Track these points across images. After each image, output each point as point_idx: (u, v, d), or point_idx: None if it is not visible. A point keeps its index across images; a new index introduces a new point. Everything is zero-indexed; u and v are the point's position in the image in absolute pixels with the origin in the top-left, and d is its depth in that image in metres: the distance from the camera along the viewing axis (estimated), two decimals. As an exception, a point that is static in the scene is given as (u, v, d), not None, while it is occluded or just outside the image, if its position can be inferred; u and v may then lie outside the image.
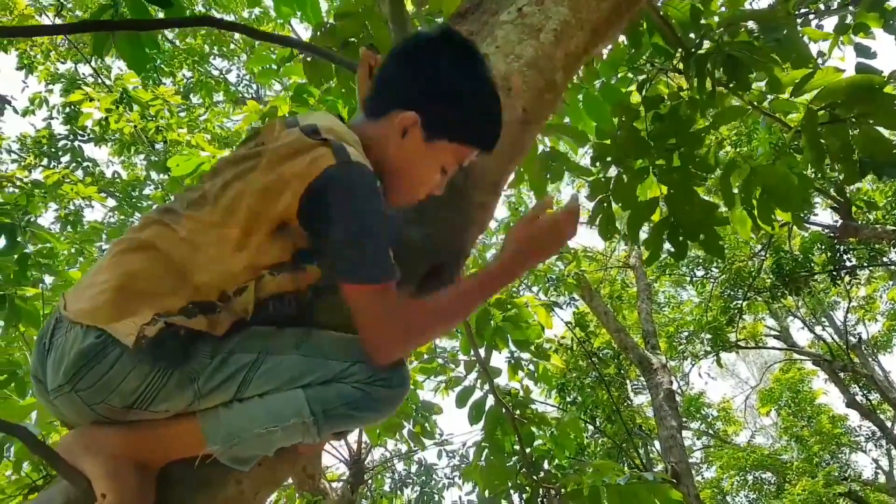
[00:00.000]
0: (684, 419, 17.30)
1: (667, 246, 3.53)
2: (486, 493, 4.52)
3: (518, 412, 4.35)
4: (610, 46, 3.88)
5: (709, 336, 12.34)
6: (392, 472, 9.62)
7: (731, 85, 2.95)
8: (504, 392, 4.46)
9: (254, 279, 1.48)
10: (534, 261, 1.65)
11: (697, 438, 19.38)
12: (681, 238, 3.46)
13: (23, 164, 8.06)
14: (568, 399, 10.24)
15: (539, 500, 4.59)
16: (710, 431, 18.90)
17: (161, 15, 2.82)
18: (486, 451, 4.54)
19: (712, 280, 13.28)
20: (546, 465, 4.86)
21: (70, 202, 6.05)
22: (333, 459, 8.38)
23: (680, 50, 3.25)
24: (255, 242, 1.44)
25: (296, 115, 1.68)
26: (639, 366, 10.17)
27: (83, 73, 9.08)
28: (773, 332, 19.35)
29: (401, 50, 1.65)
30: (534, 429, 4.74)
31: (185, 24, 2.30)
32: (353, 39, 3.20)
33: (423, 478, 8.95)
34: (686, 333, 13.39)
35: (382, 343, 1.45)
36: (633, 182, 3.56)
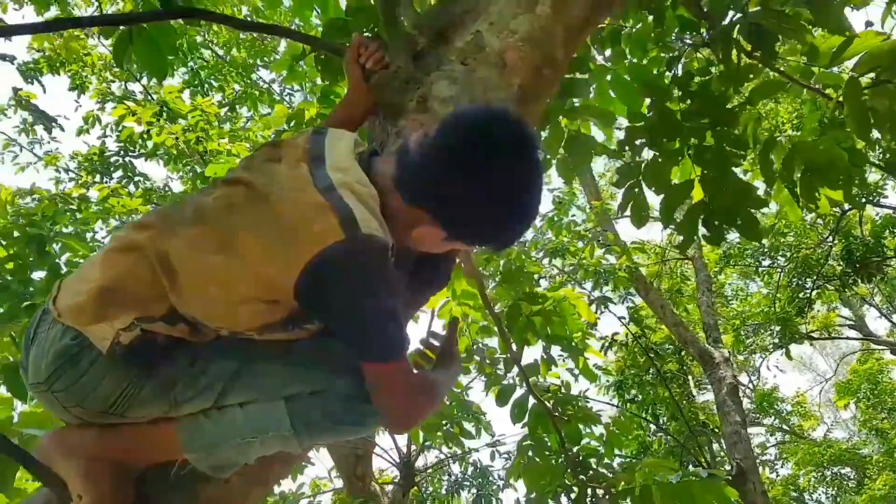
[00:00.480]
0: (757, 415, 16.73)
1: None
2: (533, 494, 4.40)
3: (559, 409, 4.20)
4: (638, 24, 3.73)
5: (777, 328, 11.85)
6: (448, 474, 9.55)
7: (757, 55, 2.76)
8: (542, 389, 4.32)
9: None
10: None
11: (771, 434, 18.70)
12: (716, 222, 3.28)
13: (79, 181, 8.33)
14: (627, 397, 9.98)
15: (588, 500, 4.44)
16: (785, 427, 18.20)
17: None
18: (530, 450, 4.41)
19: (779, 269, 12.75)
20: (595, 465, 4.69)
21: (117, 215, 6.19)
22: (386, 462, 8.33)
23: (706, 22, 3.08)
24: (238, 304, 1.37)
25: (321, 131, 1.58)
26: (700, 360, 9.83)
27: (134, 91, 9.36)
28: (848, 322, 18.55)
29: (451, 139, 1.41)
30: (581, 426, 4.59)
31: (172, 17, 2.27)
32: (366, 33, 3.13)
33: (479, 480, 8.83)
34: (754, 326, 12.90)
35: (403, 416, 1.45)
36: (666, 164, 3.40)
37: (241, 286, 1.34)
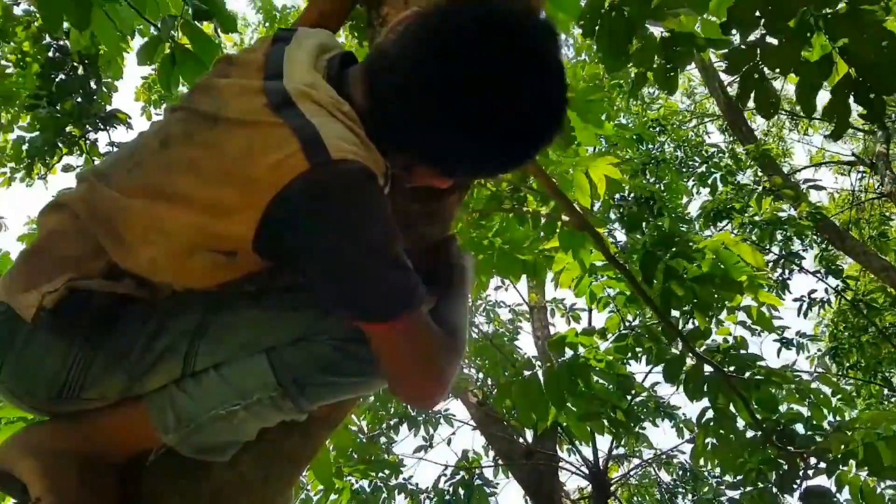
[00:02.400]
0: None
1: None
2: (728, 475, 3.76)
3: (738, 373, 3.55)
4: None
5: None
6: (657, 482, 8.76)
7: None
8: (711, 350, 3.69)
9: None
10: None
11: None
12: (872, 94, 2.61)
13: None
14: (847, 364, 8.70)
15: (800, 473, 3.72)
16: None
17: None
18: (712, 426, 3.78)
19: None
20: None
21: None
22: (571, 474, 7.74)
23: None
24: (186, 256, 1.08)
25: (285, 36, 1.24)
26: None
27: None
28: None
29: (422, 29, 1.09)
30: (773, 390, 3.88)
31: None
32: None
33: (692, 484, 7.97)
34: None
35: (424, 387, 1.13)
36: (792, 44, 2.78)
37: (187, 235, 1.05)
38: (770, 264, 7.48)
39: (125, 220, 1.09)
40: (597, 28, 2.99)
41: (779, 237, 7.08)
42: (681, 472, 8.30)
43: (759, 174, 8.84)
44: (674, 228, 5.98)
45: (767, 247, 7.20)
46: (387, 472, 6.28)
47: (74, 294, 1.10)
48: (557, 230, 3.90)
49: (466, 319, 1.29)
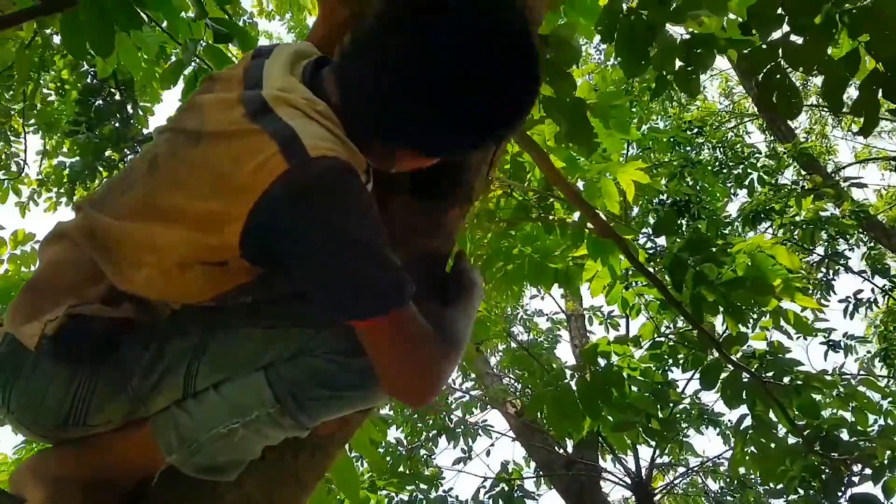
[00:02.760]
0: None
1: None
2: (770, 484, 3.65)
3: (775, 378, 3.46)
4: None
5: None
6: (704, 490, 8.56)
7: None
8: (747, 356, 3.60)
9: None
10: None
11: None
12: (902, 89, 2.52)
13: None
14: (899, 366, 8.40)
15: (844, 479, 3.60)
16: None
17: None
18: (751, 433, 3.68)
19: None
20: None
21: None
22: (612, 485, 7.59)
23: None
24: (179, 271, 1.09)
25: (265, 51, 1.26)
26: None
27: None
28: None
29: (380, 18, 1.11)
30: (816, 396, 3.77)
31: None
32: None
33: (738, 495, 7.75)
34: None
35: (415, 384, 1.11)
36: (817, 42, 2.71)
37: (180, 250, 1.07)
38: (814, 265, 7.29)
39: (120, 243, 1.11)
40: (615, 33, 2.96)
41: (823, 237, 6.88)
42: (728, 480, 8.10)
43: (802, 173, 8.63)
44: (711, 231, 5.88)
45: (810, 247, 7.01)
46: (424, 485, 6.27)
47: (74, 320, 1.13)
48: (585, 238, 3.86)
49: (469, 331, 1.27)
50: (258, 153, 0.99)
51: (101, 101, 5.66)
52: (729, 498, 8.13)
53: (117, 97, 5.74)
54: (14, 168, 7.66)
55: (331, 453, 1.45)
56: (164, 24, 3.04)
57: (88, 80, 5.72)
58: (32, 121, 7.18)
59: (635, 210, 7.60)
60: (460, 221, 1.52)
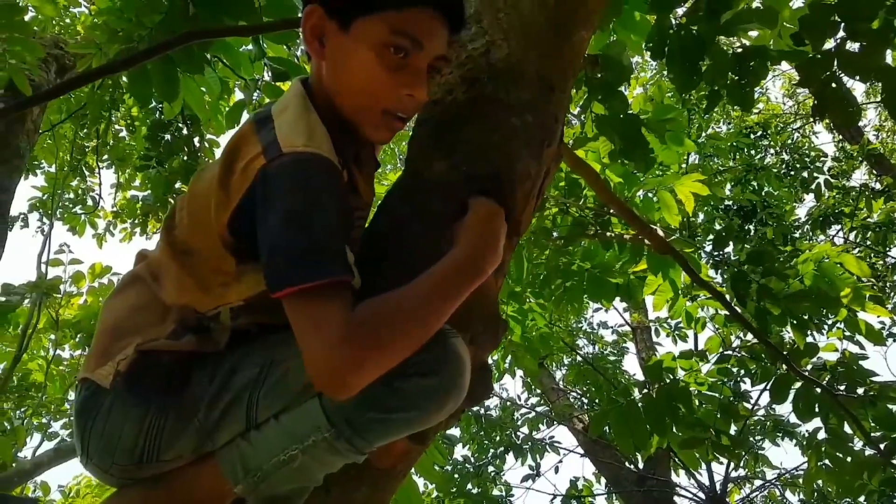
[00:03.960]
0: None
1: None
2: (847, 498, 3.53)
3: (847, 390, 3.36)
4: None
5: None
6: (784, 503, 8.27)
7: None
8: (818, 368, 3.50)
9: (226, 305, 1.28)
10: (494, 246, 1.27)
11: None
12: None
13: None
14: None
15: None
16: None
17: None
18: (825, 446, 3.57)
19: None
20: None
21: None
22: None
23: None
24: (216, 280, 1.25)
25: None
26: None
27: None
28: None
29: None
30: (893, 407, 3.63)
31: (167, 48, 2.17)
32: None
33: (822, 504, 7.49)
34: None
35: (324, 364, 1.04)
36: (874, 49, 2.64)
37: (210, 262, 1.26)
38: (890, 267, 7.00)
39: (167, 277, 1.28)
40: (665, 48, 2.94)
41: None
42: (809, 493, 7.81)
43: (873, 173, 8.32)
44: (778, 238, 5.73)
45: (884, 250, 6.74)
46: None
47: (144, 356, 1.22)
48: (645, 253, 3.83)
49: (440, 288, 1.16)
50: (248, 153, 1.15)
51: (169, 137, 5.87)
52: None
53: (185, 132, 5.95)
54: (90, 202, 8.07)
55: (392, 486, 1.48)
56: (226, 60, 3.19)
57: (157, 117, 5.96)
58: (105, 157, 7.56)
59: (700, 216, 7.46)
60: (509, 254, 1.54)
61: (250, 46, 3.21)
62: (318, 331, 1.04)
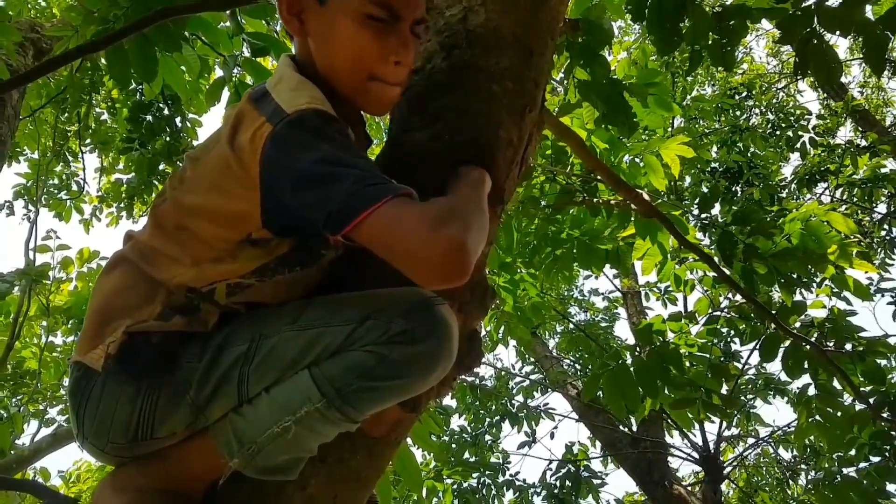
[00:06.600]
0: None
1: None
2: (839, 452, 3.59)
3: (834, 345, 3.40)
4: None
5: None
6: (776, 460, 8.42)
7: None
8: (806, 325, 3.54)
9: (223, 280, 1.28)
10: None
11: None
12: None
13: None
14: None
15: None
16: None
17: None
18: (815, 402, 3.62)
19: None
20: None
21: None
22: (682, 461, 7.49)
23: None
24: (209, 254, 1.26)
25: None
26: None
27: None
28: None
29: None
30: (881, 361, 3.69)
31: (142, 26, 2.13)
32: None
33: (814, 460, 7.61)
34: None
35: (431, 251, 1.06)
36: (854, 3, 2.63)
37: (212, 242, 1.26)
38: (876, 223, 7.06)
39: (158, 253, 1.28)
40: (645, 10, 2.93)
41: (883, 194, 6.65)
42: (801, 449, 7.95)
43: (859, 130, 8.33)
44: (765, 197, 5.75)
45: (871, 206, 6.79)
46: (487, 471, 6.33)
47: (133, 338, 1.23)
48: (632, 218, 3.84)
49: (476, 199, 1.26)
50: (252, 124, 1.16)
51: (150, 118, 5.83)
52: (803, 466, 7.99)
53: (166, 112, 5.90)
54: (75, 187, 8.00)
55: (387, 454, 1.51)
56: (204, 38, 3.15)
57: (137, 98, 5.91)
58: (88, 140, 7.49)
59: (687, 180, 7.49)
60: (495, 223, 1.55)
61: (228, 23, 3.18)
62: (411, 231, 1.06)
